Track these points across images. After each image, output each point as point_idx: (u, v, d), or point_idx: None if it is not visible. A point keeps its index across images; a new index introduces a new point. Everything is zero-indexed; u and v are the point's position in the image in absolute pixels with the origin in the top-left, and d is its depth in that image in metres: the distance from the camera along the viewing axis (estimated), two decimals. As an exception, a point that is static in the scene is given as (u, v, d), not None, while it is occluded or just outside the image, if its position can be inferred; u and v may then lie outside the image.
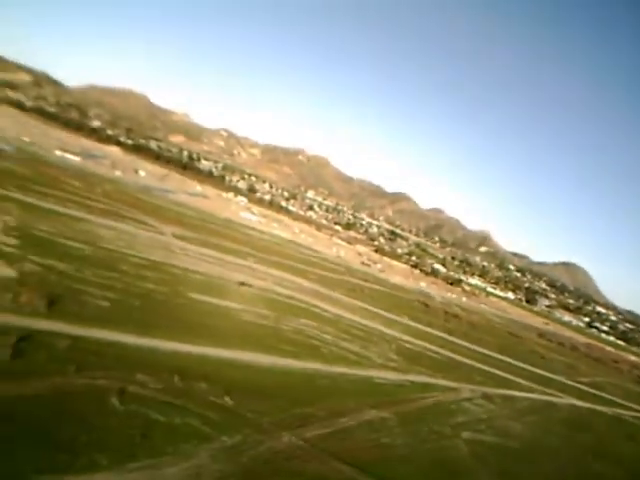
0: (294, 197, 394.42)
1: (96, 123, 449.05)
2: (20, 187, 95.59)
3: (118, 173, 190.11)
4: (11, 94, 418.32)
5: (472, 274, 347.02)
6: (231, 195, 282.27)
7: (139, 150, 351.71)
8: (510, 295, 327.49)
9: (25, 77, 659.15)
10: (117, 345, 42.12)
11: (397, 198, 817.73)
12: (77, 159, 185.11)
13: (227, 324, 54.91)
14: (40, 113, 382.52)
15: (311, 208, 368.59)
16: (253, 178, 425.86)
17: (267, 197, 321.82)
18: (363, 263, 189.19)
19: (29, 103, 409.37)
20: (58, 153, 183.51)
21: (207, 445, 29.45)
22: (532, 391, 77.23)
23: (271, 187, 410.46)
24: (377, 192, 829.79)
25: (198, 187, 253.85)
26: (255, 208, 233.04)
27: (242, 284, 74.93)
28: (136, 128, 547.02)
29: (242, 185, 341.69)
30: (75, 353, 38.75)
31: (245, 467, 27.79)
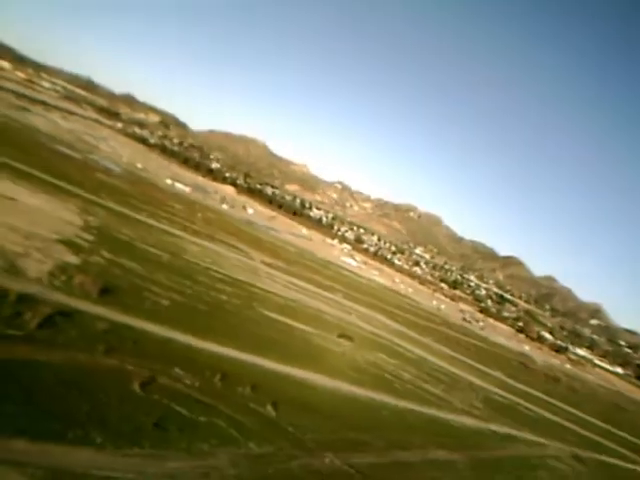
0: (401, 252, 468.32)
1: (215, 165, 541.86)
2: (115, 198, 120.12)
3: (225, 206, 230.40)
4: (138, 131, 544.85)
5: (580, 345, 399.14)
6: (336, 242, 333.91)
7: (253, 192, 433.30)
8: (619, 370, 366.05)
9: (154, 118, 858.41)
10: (162, 339, 49.97)
11: (508, 262, 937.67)
12: (186, 189, 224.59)
13: (295, 343, 65.40)
14: (162, 149, 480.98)
15: (417, 264, 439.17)
16: (362, 230, 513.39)
17: (373, 249, 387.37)
18: (464, 319, 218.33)
19: (153, 140, 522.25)
20: (168, 181, 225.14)
21: (229, 448, 32.52)
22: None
23: (379, 240, 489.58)
24: (488, 254, 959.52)
25: (304, 230, 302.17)
26: (358, 256, 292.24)
27: (323, 312, 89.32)
28: (254, 174, 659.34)
29: (349, 235, 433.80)
30: (110, 336, 45.99)
31: (267, 478, 30.17)
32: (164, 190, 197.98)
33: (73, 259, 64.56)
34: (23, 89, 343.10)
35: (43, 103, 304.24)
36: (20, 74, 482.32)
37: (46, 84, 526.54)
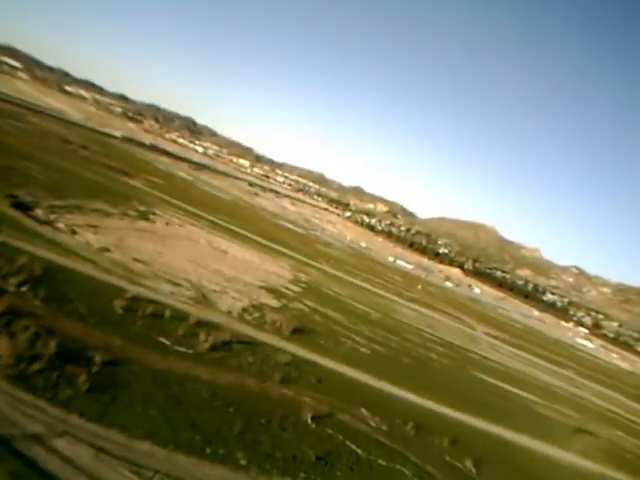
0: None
1: (442, 250, 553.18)
2: (330, 264, 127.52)
3: (449, 284, 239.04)
4: (366, 219, 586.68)
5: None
6: (571, 325, 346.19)
7: (480, 275, 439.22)
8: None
9: (382, 207, 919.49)
10: (352, 380, 49.37)
11: None
12: (409, 266, 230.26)
13: (511, 407, 66.39)
14: (388, 235, 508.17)
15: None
16: (600, 315, 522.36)
17: (612, 334, 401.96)
18: None
19: (379, 227, 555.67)
20: (390, 258, 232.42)
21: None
22: None
23: (620, 326, 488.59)
24: None
25: (535, 312, 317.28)
26: (596, 340, 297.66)
27: (551, 385, 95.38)
28: (483, 259, 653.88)
29: (586, 320, 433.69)
30: (291, 368, 45.03)
31: None
32: (384, 264, 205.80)
33: (272, 302, 65.89)
34: (257, 180, 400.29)
35: (274, 191, 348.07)
36: (257, 170, 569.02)
37: (280, 178, 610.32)
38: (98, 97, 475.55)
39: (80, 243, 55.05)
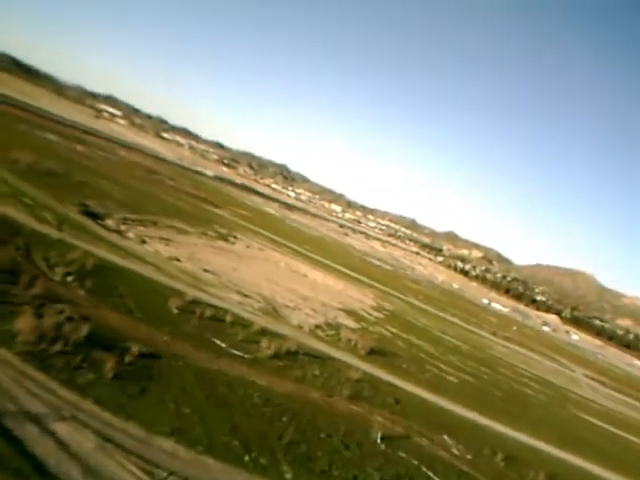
0: None
1: (540, 297, 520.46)
2: (419, 298, 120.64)
3: (546, 328, 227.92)
4: (460, 264, 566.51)
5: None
6: None
7: (579, 323, 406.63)
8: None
9: (477, 253, 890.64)
10: (435, 407, 43.66)
11: None
12: (504, 309, 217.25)
13: (616, 448, 60.64)
14: (482, 280, 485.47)
15: None
16: None
17: None
18: None
19: (474, 272, 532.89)
20: (485, 300, 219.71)
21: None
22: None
23: None
24: None
25: (637, 361, 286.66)
26: None
27: None
28: (582, 307, 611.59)
29: None
30: (362, 385, 39.78)
31: None
32: (477, 305, 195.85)
33: (350, 323, 60.83)
34: (349, 224, 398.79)
35: (364, 234, 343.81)
36: (349, 215, 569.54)
37: (371, 223, 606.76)
38: (194, 143, 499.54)
39: (147, 251, 52.89)
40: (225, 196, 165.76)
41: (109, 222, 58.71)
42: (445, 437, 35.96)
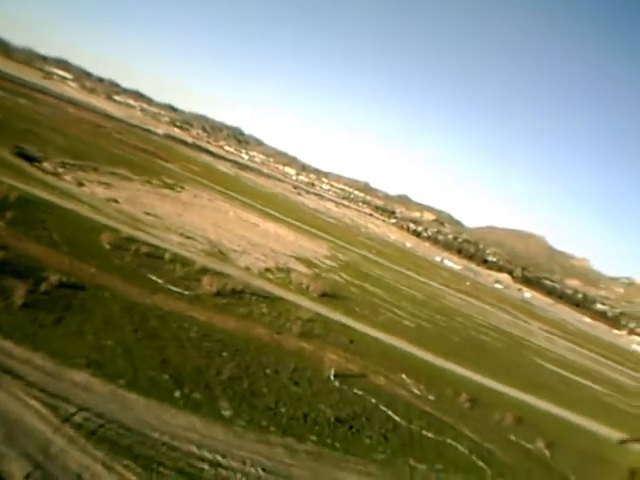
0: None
1: (491, 258, 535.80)
2: (374, 253, 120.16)
3: (498, 286, 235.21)
4: (412, 226, 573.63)
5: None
6: (624, 332, 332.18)
7: (529, 282, 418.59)
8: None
9: (429, 216, 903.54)
10: (390, 347, 41.82)
11: None
12: (456, 267, 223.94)
13: (577, 394, 60.25)
14: (434, 241, 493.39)
15: None
16: None
17: None
18: None
19: (426, 234, 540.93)
20: (437, 258, 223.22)
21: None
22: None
23: None
24: None
25: (586, 319, 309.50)
26: None
27: (610, 377, 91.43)
28: (532, 268, 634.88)
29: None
30: (314, 324, 37.55)
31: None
32: (430, 261, 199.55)
33: (302, 269, 58.32)
34: (303, 185, 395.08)
35: (318, 195, 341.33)
36: (303, 177, 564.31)
37: (325, 186, 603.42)
38: (146, 106, 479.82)
39: (84, 192, 48.48)
40: (175, 152, 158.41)
41: (46, 165, 53.47)
42: (404, 377, 34.43)
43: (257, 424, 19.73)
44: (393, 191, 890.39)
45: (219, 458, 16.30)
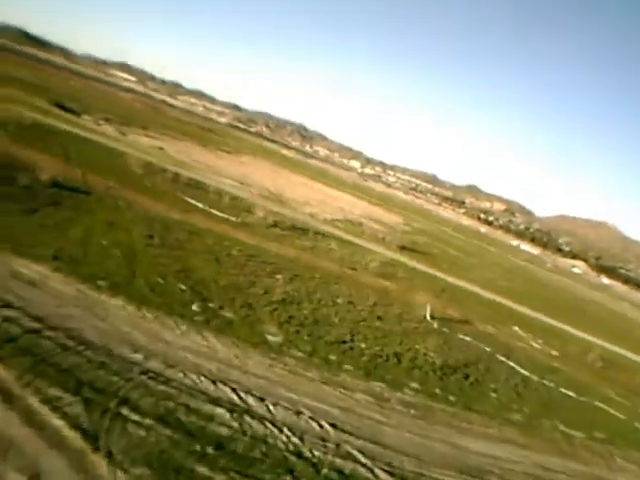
0: None
1: (564, 247, 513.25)
2: (449, 229, 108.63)
3: (577, 270, 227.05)
4: (482, 216, 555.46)
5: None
6: None
7: (605, 271, 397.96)
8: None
9: (500, 206, 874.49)
10: (491, 301, 36.16)
11: None
12: (534, 251, 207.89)
13: None
14: (506, 230, 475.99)
15: None
16: None
17: None
18: None
19: (497, 223, 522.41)
20: (514, 242, 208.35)
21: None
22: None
23: None
24: None
25: None
26: None
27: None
28: (606, 257, 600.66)
29: None
30: (394, 268, 32.10)
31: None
32: (507, 244, 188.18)
33: (376, 226, 50.32)
34: (369, 177, 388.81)
35: (385, 184, 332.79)
36: (368, 170, 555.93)
37: (391, 178, 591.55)
38: (209, 104, 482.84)
39: (125, 139, 42.43)
40: (238, 139, 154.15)
41: (86, 117, 48.14)
42: (516, 328, 28.95)
43: (323, 358, 12.08)
44: (461, 181, 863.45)
45: (252, 402, 8.64)
